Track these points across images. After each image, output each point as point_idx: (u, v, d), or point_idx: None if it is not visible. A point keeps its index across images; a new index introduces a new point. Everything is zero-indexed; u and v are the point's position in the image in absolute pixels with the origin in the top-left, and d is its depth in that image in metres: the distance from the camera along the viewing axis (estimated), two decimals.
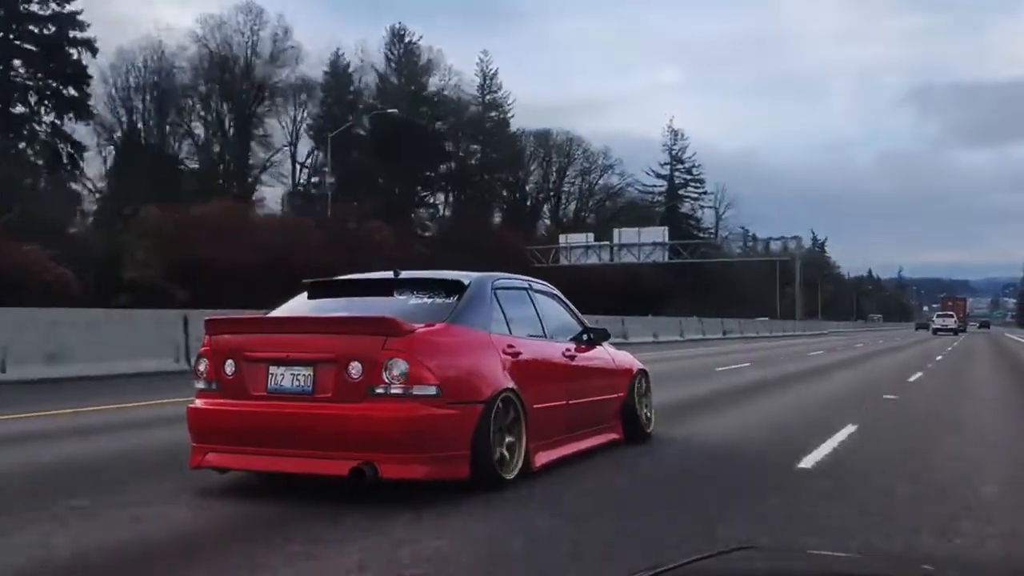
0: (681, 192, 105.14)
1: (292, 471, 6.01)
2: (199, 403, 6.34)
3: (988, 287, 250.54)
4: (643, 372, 8.96)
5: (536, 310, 7.57)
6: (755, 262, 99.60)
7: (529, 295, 7.66)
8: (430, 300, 6.68)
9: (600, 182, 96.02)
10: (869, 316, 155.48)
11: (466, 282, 6.83)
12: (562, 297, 8.34)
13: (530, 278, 8.15)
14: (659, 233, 71.05)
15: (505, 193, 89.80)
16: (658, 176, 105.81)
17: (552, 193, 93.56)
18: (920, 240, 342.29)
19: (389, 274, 7.18)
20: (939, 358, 27.66)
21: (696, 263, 75.31)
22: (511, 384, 6.43)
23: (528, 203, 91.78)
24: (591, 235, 73.33)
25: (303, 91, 72.73)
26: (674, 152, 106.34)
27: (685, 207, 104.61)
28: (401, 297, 6.80)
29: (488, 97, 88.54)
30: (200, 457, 6.24)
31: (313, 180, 74.24)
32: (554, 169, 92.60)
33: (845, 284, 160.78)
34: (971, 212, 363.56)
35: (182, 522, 5.51)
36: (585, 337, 8.09)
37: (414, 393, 5.81)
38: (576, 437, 7.53)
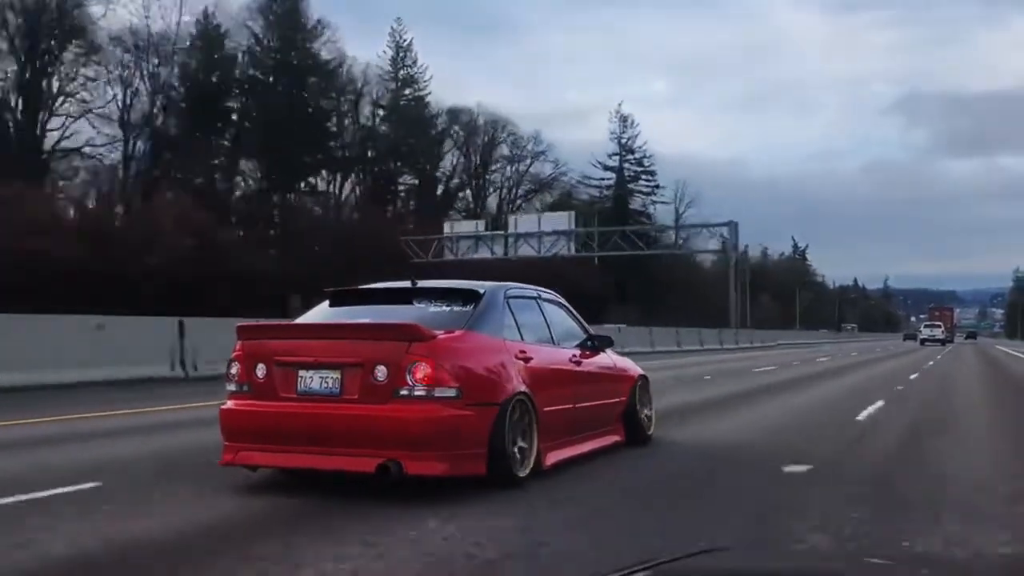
0: (632, 186, 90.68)
1: (321, 468, 6.41)
2: (231, 404, 6.74)
3: (975, 298, 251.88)
4: (643, 378, 9.39)
5: (544, 317, 8.00)
6: (717, 263, 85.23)
7: (538, 303, 8.08)
8: (448, 308, 7.09)
9: (531, 170, 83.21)
10: (843, 325, 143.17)
11: (481, 291, 7.25)
12: (567, 305, 8.76)
13: (539, 288, 8.56)
14: (562, 219, 57.26)
15: (416, 181, 77.48)
16: (605, 168, 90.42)
17: (474, 180, 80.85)
18: (907, 250, 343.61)
19: (407, 283, 7.61)
20: (867, 412, 12.48)
21: (622, 256, 61.15)
22: (524, 388, 6.84)
23: (442, 191, 79.45)
24: (482, 223, 60.69)
25: (138, 48, 57.61)
26: (623, 141, 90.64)
27: (636, 203, 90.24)
28: (420, 305, 7.21)
29: (402, 72, 76.20)
30: (232, 455, 6.62)
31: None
32: (476, 153, 79.59)
33: (828, 292, 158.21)
34: (958, 222, 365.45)
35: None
36: (590, 343, 8.51)
37: (436, 395, 6.21)
38: (582, 438, 7.94)
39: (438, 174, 79.22)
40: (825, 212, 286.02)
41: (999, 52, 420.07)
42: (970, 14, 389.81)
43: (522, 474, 6.69)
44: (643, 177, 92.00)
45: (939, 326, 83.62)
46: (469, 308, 7.03)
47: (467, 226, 60.16)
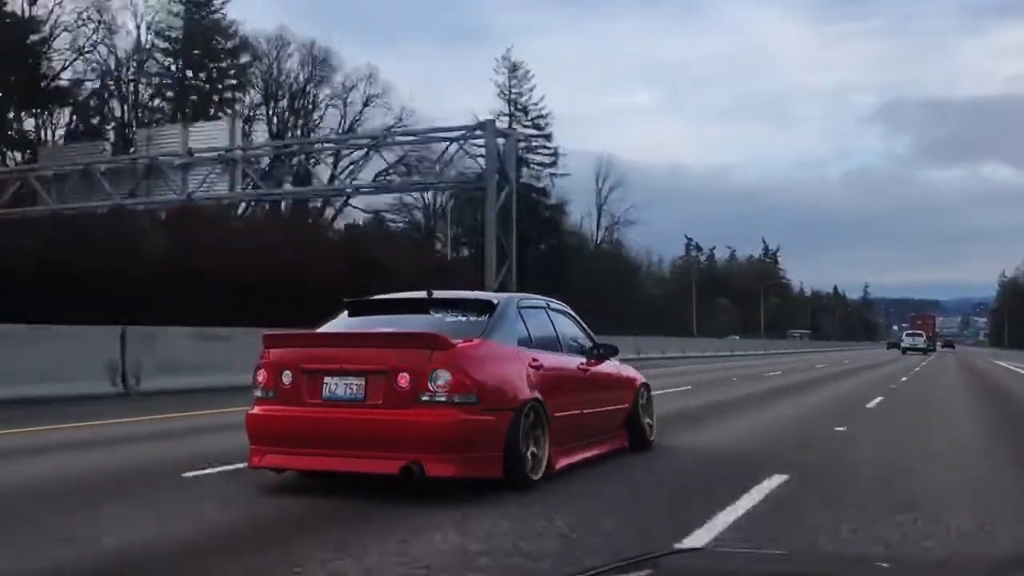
0: (527, 155, 66.54)
1: (346, 470, 6.72)
2: (257, 410, 7.05)
3: (958, 306, 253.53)
4: (646, 385, 9.72)
5: (553, 327, 8.34)
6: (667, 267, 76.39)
7: (547, 313, 8.42)
8: (464, 318, 7.43)
9: (366, 121, 59.75)
10: (789, 333, 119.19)
11: (495, 302, 7.62)
12: (573, 314, 9.10)
13: (547, 298, 8.90)
14: (221, 132, 28.50)
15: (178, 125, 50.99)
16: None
17: (280, 128, 58.78)
18: (890, 258, 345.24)
19: (422, 294, 7.95)
20: None
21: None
22: (536, 394, 7.16)
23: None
24: (106, 146, 35.06)
25: None
26: (512, 97, 69.15)
27: (527, 175, 64.62)
28: (437, 315, 7.55)
29: None
30: (259, 458, 6.93)
31: None
32: (283, 93, 59.68)
33: (803, 298, 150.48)
34: (941, 231, 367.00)
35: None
36: (595, 351, 8.84)
37: (456, 401, 6.54)
38: (589, 444, 8.25)
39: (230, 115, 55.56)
40: (806, 220, 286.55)
41: (979, 61, 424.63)
42: (950, 24, 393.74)
43: (535, 477, 7.00)
44: (539, 144, 69.96)
45: (921, 335, 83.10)
46: (484, 318, 7.37)
47: (81, 153, 31.60)
